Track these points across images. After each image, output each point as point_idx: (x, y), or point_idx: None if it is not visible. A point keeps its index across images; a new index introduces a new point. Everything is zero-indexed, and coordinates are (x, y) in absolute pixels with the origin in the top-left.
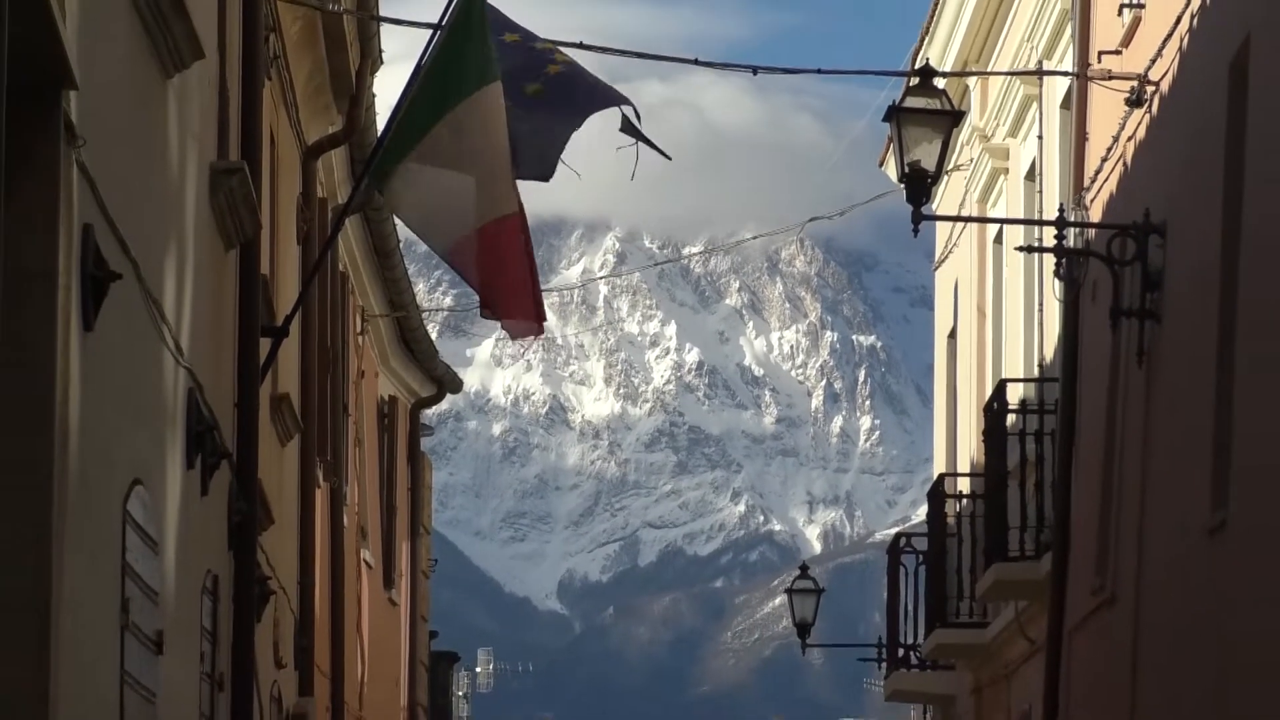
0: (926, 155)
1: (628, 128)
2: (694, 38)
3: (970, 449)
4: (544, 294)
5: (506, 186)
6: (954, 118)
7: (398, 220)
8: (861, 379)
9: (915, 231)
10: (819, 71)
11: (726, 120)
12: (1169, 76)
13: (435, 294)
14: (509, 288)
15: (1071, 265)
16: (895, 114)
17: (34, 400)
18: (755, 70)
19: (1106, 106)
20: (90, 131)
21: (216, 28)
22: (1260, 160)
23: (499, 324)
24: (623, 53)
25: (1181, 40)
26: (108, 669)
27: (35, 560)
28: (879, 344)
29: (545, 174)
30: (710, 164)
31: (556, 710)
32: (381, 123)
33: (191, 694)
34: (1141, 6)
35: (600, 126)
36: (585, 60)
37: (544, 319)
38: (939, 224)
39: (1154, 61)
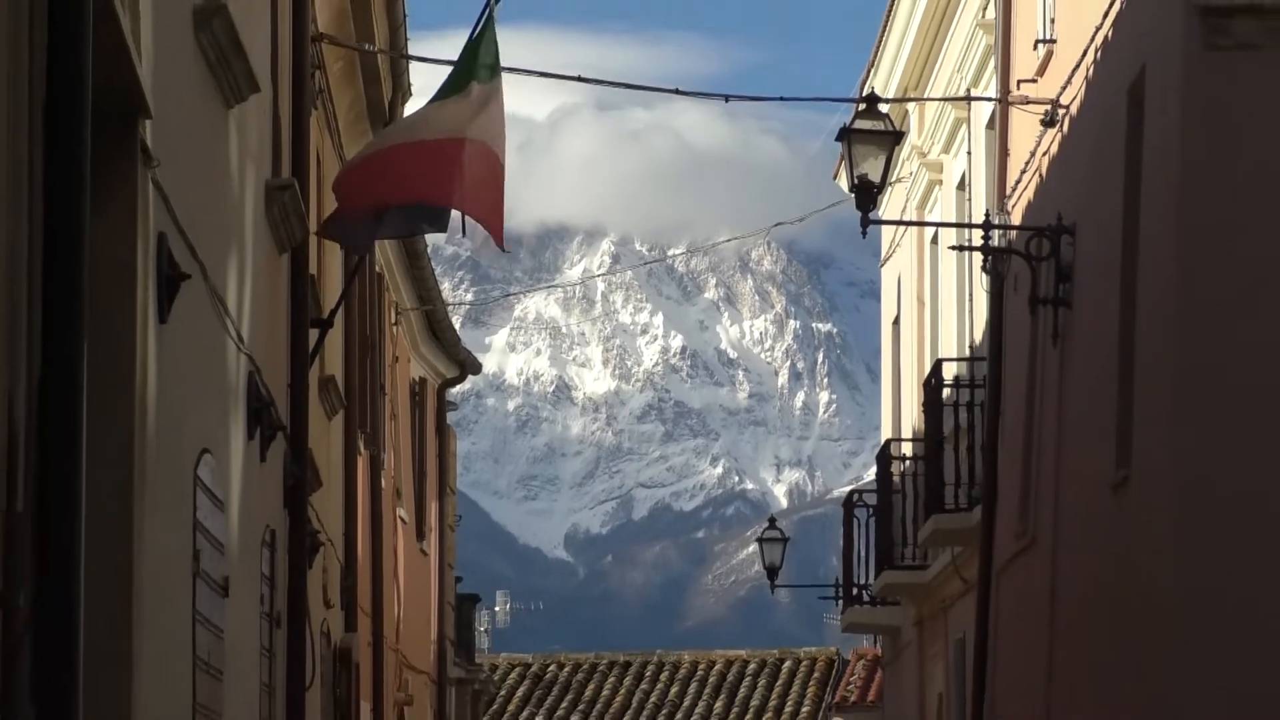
0: (873, 169)
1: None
2: (674, 72)
3: (912, 418)
4: (551, 291)
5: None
6: (896, 137)
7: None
8: (820, 360)
9: (864, 234)
10: (781, 99)
11: (702, 141)
12: (1077, 101)
13: (458, 290)
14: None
15: (996, 261)
16: (846, 134)
17: (117, 382)
18: (727, 98)
19: (1024, 127)
20: (163, 153)
21: (270, 66)
22: (1153, 172)
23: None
24: (614, 84)
25: (1088, 70)
26: (182, 610)
27: (119, 519)
28: (835, 330)
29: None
30: (689, 179)
31: (563, 643)
32: None
33: (253, 631)
34: (1053, 42)
35: (599, 148)
36: (581, 90)
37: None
38: (884, 227)
39: (1064, 88)
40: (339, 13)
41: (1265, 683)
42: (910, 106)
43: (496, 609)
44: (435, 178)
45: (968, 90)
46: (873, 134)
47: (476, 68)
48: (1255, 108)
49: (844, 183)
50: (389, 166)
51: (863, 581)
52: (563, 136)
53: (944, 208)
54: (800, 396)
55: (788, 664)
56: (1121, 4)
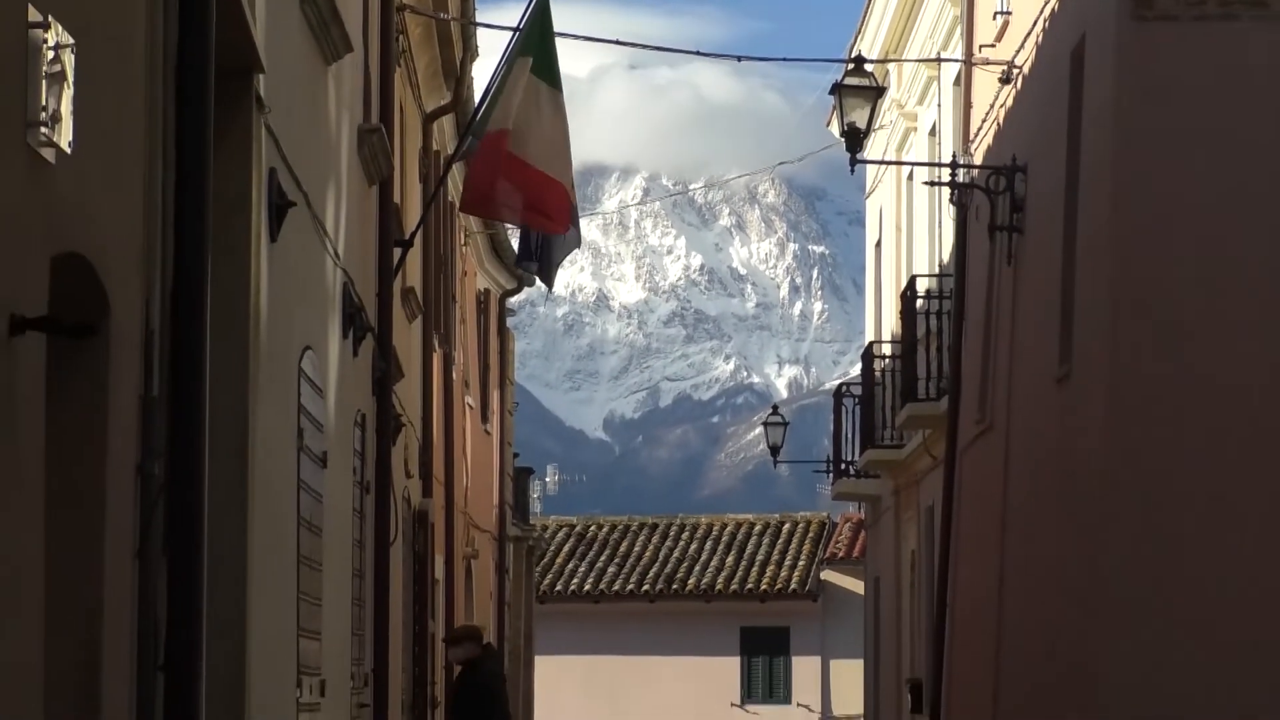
0: (860, 118)
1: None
2: (692, 37)
3: (891, 324)
4: (591, 218)
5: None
6: (879, 92)
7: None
8: (815, 276)
9: (852, 171)
10: (783, 60)
11: (716, 95)
12: (1028, 62)
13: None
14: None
15: (961, 195)
16: (838, 89)
17: (235, 291)
18: (739, 59)
19: (985, 84)
20: (274, 102)
21: (362, 30)
22: (1091, 120)
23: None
24: (643, 46)
25: (1038, 36)
26: (288, 478)
27: (236, 403)
28: (827, 251)
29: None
30: (705, 126)
31: (602, 507)
32: (477, 97)
33: (347, 496)
34: (1009, 13)
35: (630, 100)
36: (616, 52)
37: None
38: (869, 167)
39: (1018, 51)
40: None
41: (1177, 534)
42: (890, 66)
43: (547, 479)
44: (545, 211)
45: (938, 53)
46: (859, 89)
47: (549, 69)
48: (1174, 67)
49: (835, 129)
50: (515, 183)
51: (849, 458)
52: (600, 91)
53: (918, 150)
54: (798, 306)
55: (787, 526)
56: None
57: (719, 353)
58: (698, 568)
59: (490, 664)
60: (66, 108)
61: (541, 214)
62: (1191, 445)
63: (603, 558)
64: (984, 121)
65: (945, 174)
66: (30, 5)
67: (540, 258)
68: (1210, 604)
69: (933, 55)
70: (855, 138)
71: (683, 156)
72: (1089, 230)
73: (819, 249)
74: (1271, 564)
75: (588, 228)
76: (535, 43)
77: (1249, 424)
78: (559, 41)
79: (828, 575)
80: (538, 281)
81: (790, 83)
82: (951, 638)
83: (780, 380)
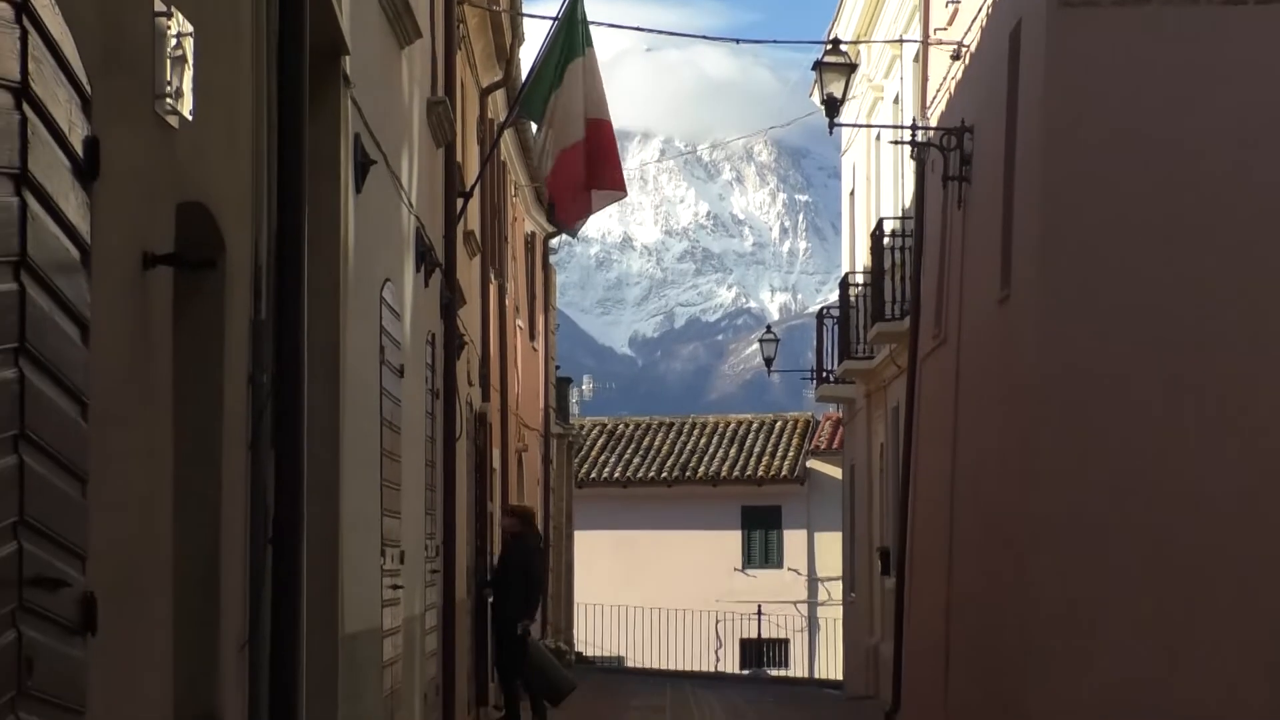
0: (837, 89)
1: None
2: (697, 25)
3: (863, 258)
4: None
5: (579, 123)
6: (852, 68)
7: (534, 127)
8: (800, 220)
9: (830, 133)
10: (773, 42)
11: (717, 72)
12: (975, 42)
13: None
14: (568, 186)
15: (920, 151)
16: (819, 66)
17: (328, 233)
18: (738, 41)
19: (939, 61)
20: (357, 78)
21: (429, 20)
22: (1026, 90)
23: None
24: (657, 31)
25: (982, 21)
26: (373, 385)
27: (330, 324)
28: (810, 200)
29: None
30: (709, 98)
31: (628, 410)
32: (523, 75)
33: (420, 401)
34: (959, 2)
35: (647, 77)
36: (634, 38)
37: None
38: (844, 129)
39: (966, 33)
40: None
41: (1097, 427)
42: (862, 47)
43: (583, 387)
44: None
45: (900, 35)
46: (836, 66)
47: (578, 44)
48: (1094, 45)
49: (817, 99)
50: (572, 163)
51: (829, 368)
52: (621, 70)
53: (884, 115)
54: (787, 244)
55: (779, 423)
56: None
57: (723, 283)
58: (706, 458)
59: (531, 540)
60: (187, 84)
61: (599, 188)
62: (1108, 354)
63: (629, 450)
64: (938, 91)
65: (907, 135)
66: None
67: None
68: (1118, 471)
69: (896, 37)
70: (833, 106)
71: (691, 123)
72: (1024, 179)
73: (803, 198)
74: (1160, 445)
75: None
76: (576, 35)
77: (1157, 336)
78: (590, 30)
79: (812, 464)
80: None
81: (778, 61)
82: (913, 513)
83: (773, 305)
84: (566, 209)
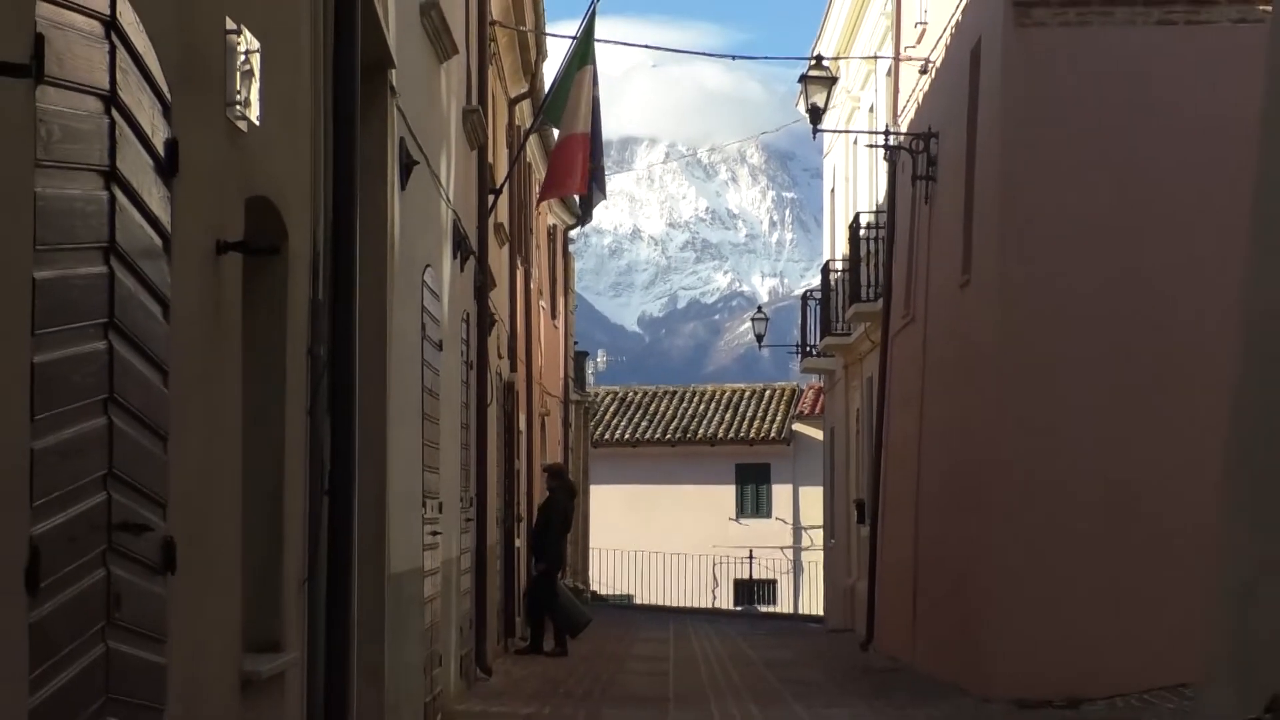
0: (820, 100)
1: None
2: (698, 43)
3: (842, 247)
4: (629, 173)
5: (584, 118)
6: (833, 81)
7: (555, 132)
8: (787, 214)
9: (814, 138)
10: (765, 58)
11: (713, 85)
12: (940, 59)
13: None
14: (564, 171)
15: (892, 154)
16: (804, 79)
17: (376, 225)
18: (734, 58)
19: (908, 74)
20: (402, 89)
21: (465, 38)
22: (985, 101)
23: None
24: (662, 49)
25: (947, 40)
26: (415, 357)
27: (378, 303)
28: (796, 197)
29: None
30: (707, 107)
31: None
32: (546, 86)
33: (456, 371)
34: (926, 23)
35: (653, 89)
36: (642, 53)
37: (582, 189)
38: (826, 135)
39: (932, 50)
40: (505, 7)
41: (1047, 395)
42: (841, 63)
43: (598, 360)
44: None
45: (875, 52)
46: (819, 79)
47: (588, 54)
48: (1044, 61)
49: (802, 108)
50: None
51: (813, 343)
52: (631, 83)
53: (860, 122)
54: (775, 235)
55: (768, 392)
56: (966, 1)
57: (719, 269)
58: (704, 422)
59: (561, 494)
60: (255, 94)
61: (581, 179)
62: (1058, 333)
63: (637, 415)
64: (908, 101)
65: (880, 139)
66: (227, 18)
67: (581, 205)
68: (1066, 434)
69: (871, 54)
70: (816, 114)
71: (692, 130)
72: (983, 179)
73: (790, 195)
74: (1104, 412)
75: (626, 181)
76: (589, 48)
77: (1101, 316)
78: (603, 47)
79: (797, 427)
80: (593, 217)
81: (768, 75)
82: (885, 469)
83: (763, 288)
84: (555, 184)
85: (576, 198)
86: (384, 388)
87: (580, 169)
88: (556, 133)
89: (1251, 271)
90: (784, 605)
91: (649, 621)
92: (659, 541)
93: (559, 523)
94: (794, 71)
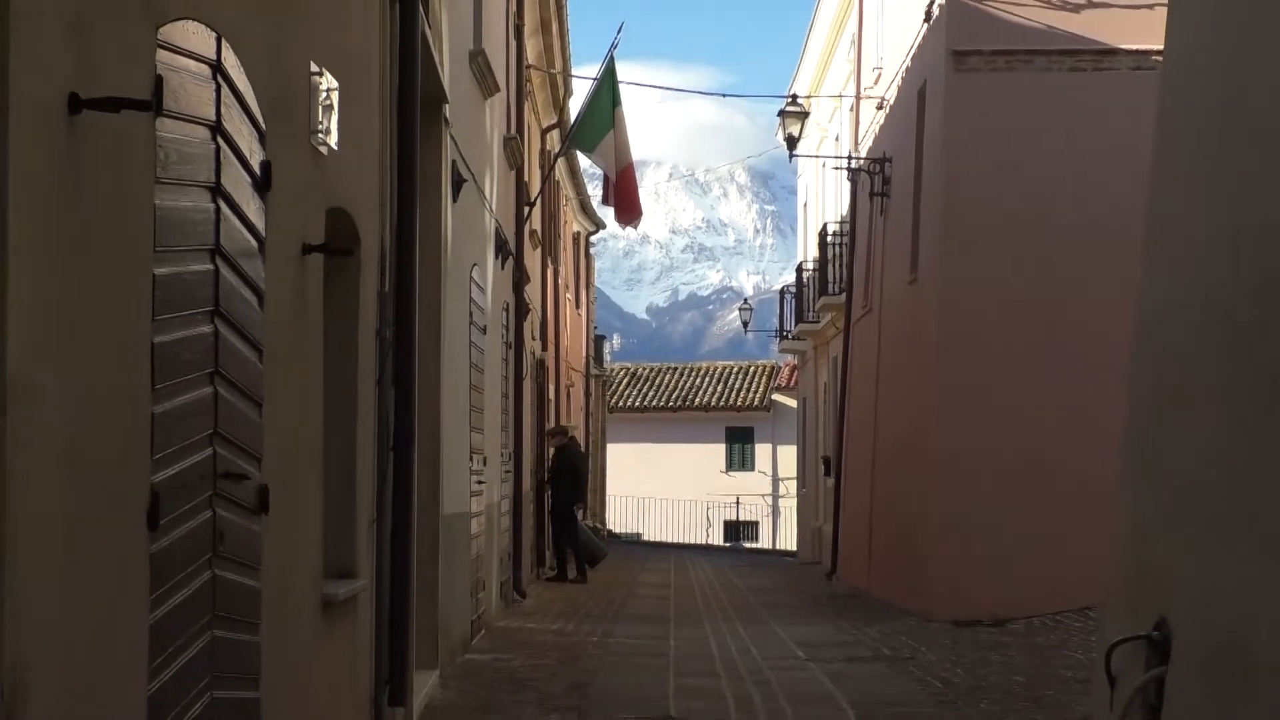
0: (795, 130)
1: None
2: (694, 83)
3: (813, 251)
4: (639, 190)
5: (626, 154)
6: (806, 115)
7: (583, 157)
8: (768, 224)
9: (790, 161)
10: (751, 96)
11: (707, 118)
12: (893, 97)
13: (594, 189)
14: (627, 198)
15: (854, 174)
16: (782, 113)
17: (432, 231)
18: (724, 95)
19: (868, 110)
20: (455, 121)
21: (505, 78)
22: (930, 133)
23: (614, 213)
24: (664, 88)
25: (899, 82)
26: (464, 340)
27: (434, 294)
28: (775, 209)
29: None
30: (702, 136)
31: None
32: (571, 119)
33: (498, 350)
34: (881, 68)
35: (657, 121)
36: (648, 91)
37: (640, 214)
38: (800, 159)
39: (887, 90)
40: (538, 52)
41: (981, 376)
42: (813, 100)
43: (613, 342)
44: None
45: (840, 92)
46: (795, 113)
47: (617, 95)
48: (981, 100)
49: (781, 137)
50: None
51: (789, 329)
52: (639, 116)
53: (828, 149)
54: (759, 241)
55: (752, 368)
56: (914, 50)
57: (713, 268)
58: (700, 393)
59: (572, 449)
60: (334, 124)
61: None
62: (988, 325)
63: (646, 387)
64: (866, 131)
65: (844, 163)
66: (311, 62)
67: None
68: (999, 408)
69: (837, 93)
70: (792, 142)
71: (690, 154)
72: (928, 196)
73: (771, 208)
74: (1031, 389)
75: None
76: (615, 90)
77: (1025, 313)
78: (620, 87)
79: (776, 397)
80: (608, 225)
81: (752, 110)
82: (847, 433)
83: (748, 284)
84: (624, 210)
85: (596, 208)
86: (438, 364)
87: (636, 196)
88: (580, 155)
89: (1143, 280)
90: (764, 542)
91: (654, 555)
92: (663, 489)
93: (569, 472)
94: (774, 107)
